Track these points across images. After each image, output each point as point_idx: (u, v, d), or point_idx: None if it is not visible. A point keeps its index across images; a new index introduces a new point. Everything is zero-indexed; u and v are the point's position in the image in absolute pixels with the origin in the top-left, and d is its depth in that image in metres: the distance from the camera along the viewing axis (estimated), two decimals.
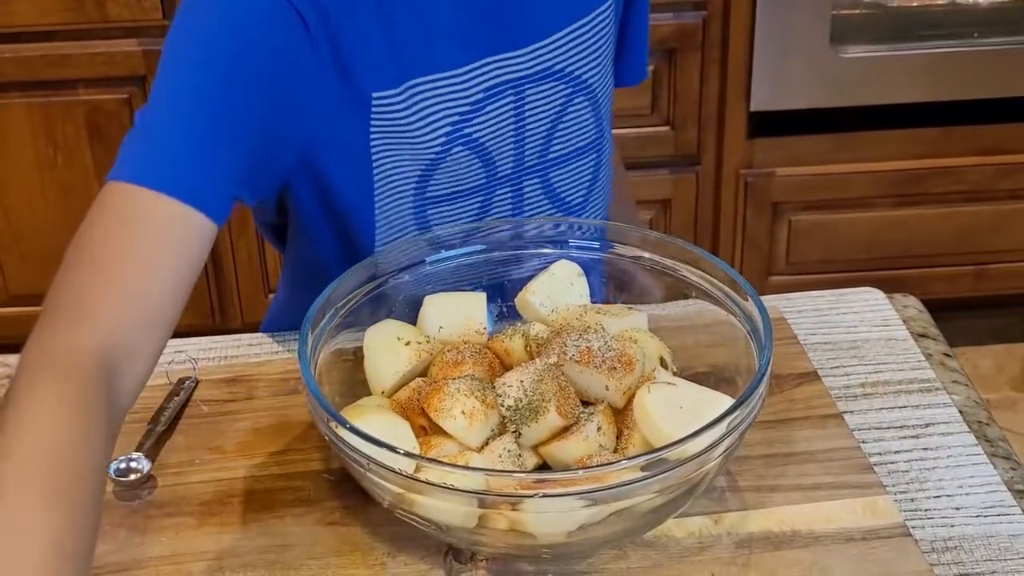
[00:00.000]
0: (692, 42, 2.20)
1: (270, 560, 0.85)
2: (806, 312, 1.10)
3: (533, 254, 1.01)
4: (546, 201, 1.17)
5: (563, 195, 1.17)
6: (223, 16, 0.96)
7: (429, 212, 1.12)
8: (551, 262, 1.00)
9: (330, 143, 1.04)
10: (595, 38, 1.14)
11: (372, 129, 1.04)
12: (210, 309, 2.40)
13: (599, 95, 1.17)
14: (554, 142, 1.15)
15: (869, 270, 2.33)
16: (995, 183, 2.35)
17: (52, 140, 2.22)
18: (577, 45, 1.12)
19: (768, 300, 0.96)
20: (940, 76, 2.27)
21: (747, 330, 0.89)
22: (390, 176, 1.08)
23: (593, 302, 0.99)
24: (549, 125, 1.13)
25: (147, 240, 0.87)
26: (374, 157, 1.06)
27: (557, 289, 0.98)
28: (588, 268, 1.00)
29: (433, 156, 1.08)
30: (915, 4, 2.36)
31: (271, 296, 1.35)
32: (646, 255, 0.98)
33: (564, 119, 1.14)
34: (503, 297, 1.01)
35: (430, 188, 1.10)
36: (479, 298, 0.98)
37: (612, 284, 1.03)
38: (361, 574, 0.84)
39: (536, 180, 1.15)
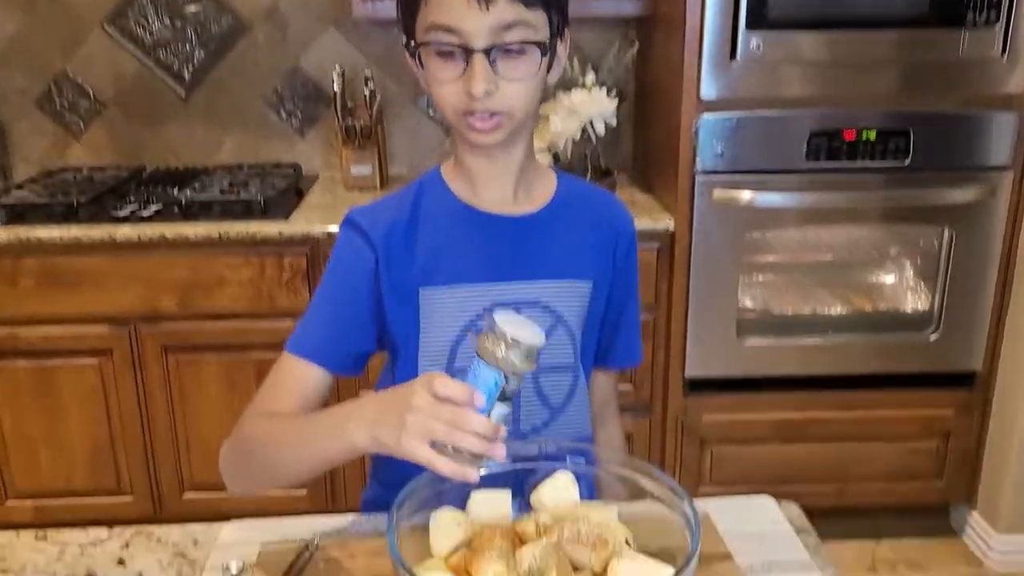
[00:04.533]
0: (647, 332, 2.24)
1: None
2: (723, 511, 1.08)
3: (542, 466, 1.00)
4: (536, 398, 1.14)
5: (549, 397, 1.15)
6: (337, 251, 1.11)
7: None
8: (554, 472, 0.98)
9: (395, 319, 1.10)
10: (576, 297, 1.14)
11: (421, 311, 1.09)
12: (326, 497, 2.37)
13: (576, 335, 1.15)
14: (543, 355, 1.13)
15: (765, 485, 2.28)
16: (849, 430, 2.34)
17: (232, 384, 2.24)
18: (561, 294, 1.13)
19: (699, 503, 0.96)
20: (809, 357, 2.29)
21: (683, 523, 0.88)
22: (432, 345, 1.10)
23: (582, 500, 0.97)
24: None
25: (286, 383, 1.06)
26: (422, 329, 1.09)
27: (557, 491, 0.97)
28: (579, 477, 0.99)
29: (455, 338, 1.09)
30: (790, 311, 2.41)
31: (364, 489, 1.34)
32: (617, 469, 0.97)
33: (550, 339, 1.11)
34: (522, 495, 0.99)
35: (456, 361, 1.10)
36: (506, 495, 0.97)
37: (595, 488, 1.02)
38: None
39: (528, 380, 1.13)
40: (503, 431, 0.85)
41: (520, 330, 0.84)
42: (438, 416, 0.83)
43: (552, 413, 1.16)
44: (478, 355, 0.84)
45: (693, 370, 2.27)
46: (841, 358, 2.29)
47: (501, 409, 0.85)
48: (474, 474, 0.84)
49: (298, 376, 1.06)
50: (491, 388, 0.83)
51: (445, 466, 0.83)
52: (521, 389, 1.12)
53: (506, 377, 0.83)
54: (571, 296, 1.14)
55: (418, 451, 0.84)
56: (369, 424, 0.88)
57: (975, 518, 2.42)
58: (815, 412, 2.32)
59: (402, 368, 1.13)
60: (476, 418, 0.83)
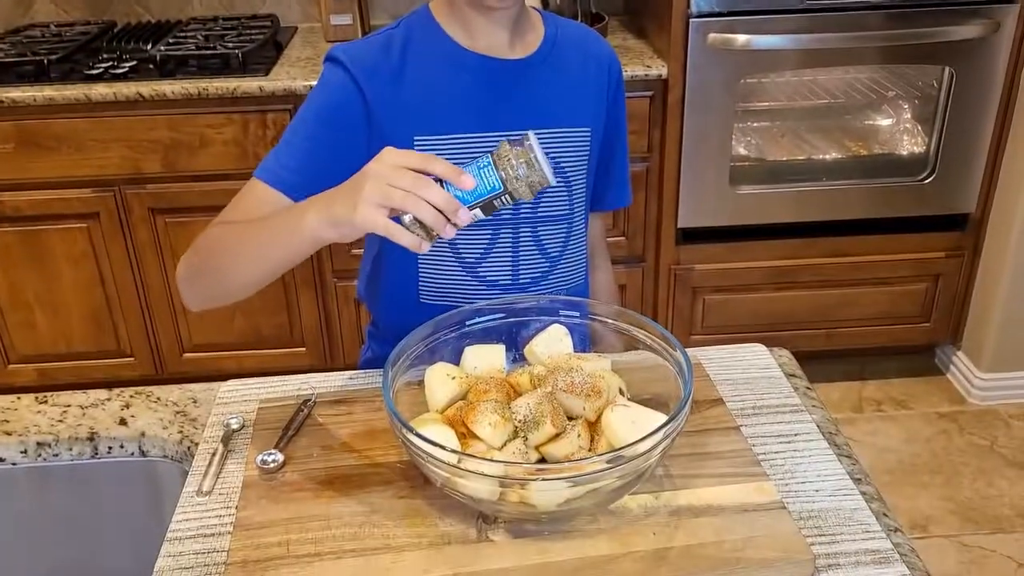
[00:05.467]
0: (640, 182, 2.21)
1: (362, 521, 0.85)
2: (715, 359, 1.10)
3: (535, 320, 1.00)
4: (534, 246, 1.14)
5: (546, 246, 1.15)
6: (320, 86, 1.06)
7: (456, 236, 1.11)
8: (548, 325, 0.99)
9: None
10: (574, 145, 1.12)
11: None
12: (324, 355, 2.40)
13: (573, 185, 1.14)
14: (540, 206, 1.12)
15: (756, 331, 2.33)
16: (840, 275, 2.35)
17: None
18: (561, 142, 1.11)
19: (691, 351, 0.96)
20: (802, 204, 2.28)
21: (676, 371, 0.89)
22: None
23: (576, 352, 0.98)
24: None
25: (251, 205, 1.02)
26: None
27: (551, 343, 0.98)
28: (572, 329, 0.99)
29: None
30: (784, 158, 2.38)
31: (362, 347, 1.35)
32: (610, 321, 0.98)
33: (547, 191, 1.10)
34: (516, 348, 1.00)
35: None
36: (500, 349, 0.98)
37: (588, 340, 1.02)
38: (421, 531, 0.83)
39: (528, 230, 1.13)
40: (465, 217, 0.83)
41: (544, 160, 0.85)
42: (397, 181, 0.81)
43: (551, 263, 1.16)
44: (494, 160, 0.84)
45: (686, 220, 2.26)
46: (834, 204, 2.28)
47: (475, 212, 0.85)
48: (427, 246, 0.84)
49: (264, 201, 1.01)
50: (484, 189, 0.84)
51: (403, 236, 0.82)
52: (519, 240, 1.12)
53: (505, 190, 0.84)
54: (570, 144, 1.12)
55: (375, 218, 0.81)
56: (326, 205, 0.86)
57: (960, 357, 2.48)
58: (807, 259, 2.33)
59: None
60: (436, 188, 0.81)
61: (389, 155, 0.83)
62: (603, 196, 1.24)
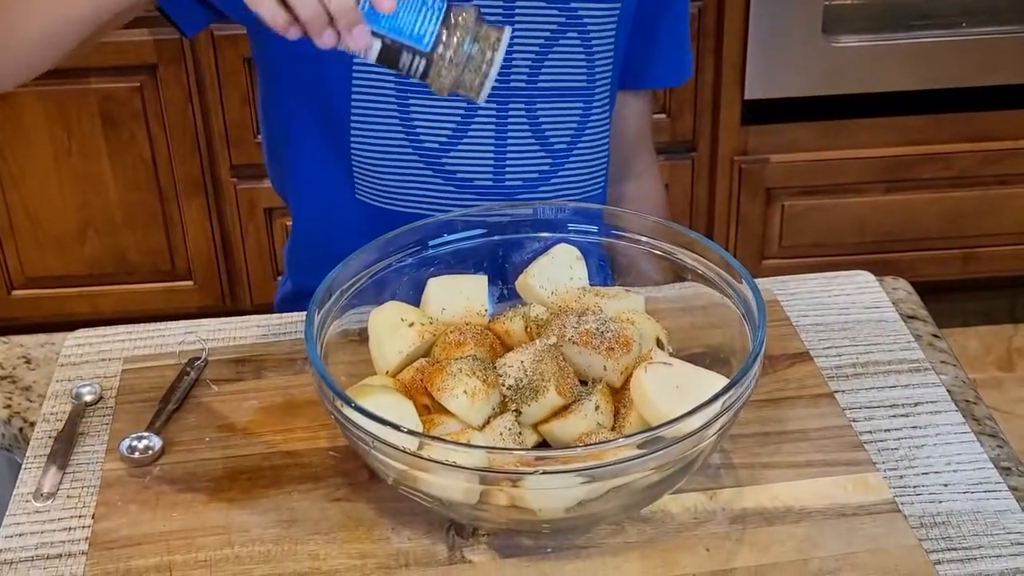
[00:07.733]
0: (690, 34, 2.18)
1: (277, 535, 0.85)
2: (798, 294, 1.10)
3: (533, 238, 1.00)
4: (530, 134, 1.14)
5: (547, 133, 1.15)
6: None
7: (411, 104, 1.10)
8: (551, 245, 0.99)
9: None
10: None
11: None
12: (221, 292, 2.40)
13: (593, 41, 1.13)
14: (542, 71, 1.12)
15: (859, 253, 2.33)
16: (982, 169, 2.35)
17: (66, 128, 2.20)
18: None
19: (761, 283, 0.96)
20: (929, 64, 2.26)
21: (741, 312, 0.89)
22: None
23: (591, 285, 0.98)
24: (537, 50, 1.11)
25: None
26: None
27: (557, 272, 0.97)
28: (587, 252, 0.99)
29: None
30: None
31: (279, 279, 1.35)
32: (643, 239, 0.97)
33: (554, 50, 1.11)
34: (504, 280, 1.00)
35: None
36: (480, 281, 0.97)
37: (610, 267, 1.02)
38: (365, 549, 0.84)
39: (521, 107, 1.13)
40: (359, 40, 0.82)
41: (496, 70, 0.83)
42: None
43: (554, 160, 1.16)
44: (448, 12, 0.82)
45: (756, 89, 2.25)
46: (979, 63, 2.26)
47: (372, 45, 0.83)
48: (294, 32, 0.81)
49: None
50: (408, 29, 0.82)
51: (263, 3, 0.79)
52: (508, 121, 1.11)
53: (427, 55, 0.82)
54: None
55: None
56: None
57: None
58: (934, 145, 2.33)
59: (336, 97, 1.09)
60: None
61: None
62: (649, 67, 1.23)
